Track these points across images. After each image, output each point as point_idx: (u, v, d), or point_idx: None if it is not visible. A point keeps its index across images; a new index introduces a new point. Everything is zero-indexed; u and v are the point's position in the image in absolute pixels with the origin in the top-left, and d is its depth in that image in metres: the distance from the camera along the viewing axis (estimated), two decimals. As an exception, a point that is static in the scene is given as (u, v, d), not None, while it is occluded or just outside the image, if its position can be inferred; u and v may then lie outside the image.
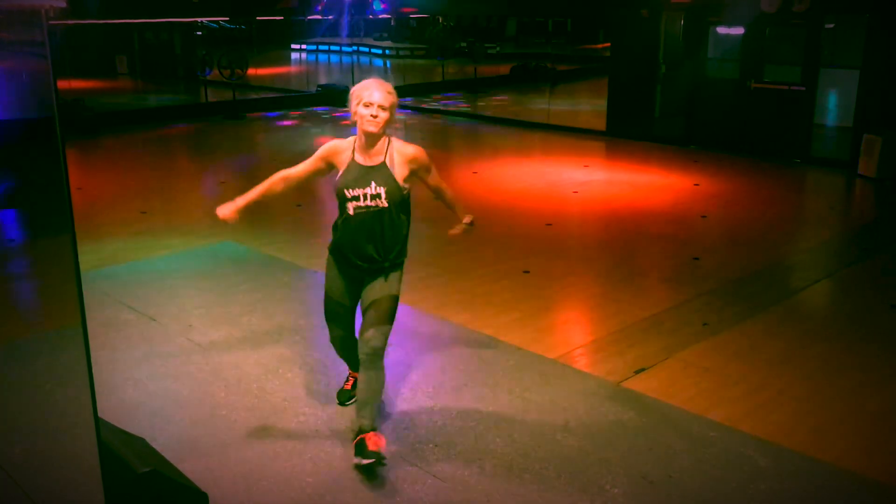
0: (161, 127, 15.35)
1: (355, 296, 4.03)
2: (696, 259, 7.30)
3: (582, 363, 5.17)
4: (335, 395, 4.56)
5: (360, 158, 3.83)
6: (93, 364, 2.87)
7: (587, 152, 12.93)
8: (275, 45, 26.45)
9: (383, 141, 3.82)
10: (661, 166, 11.67)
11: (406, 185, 3.85)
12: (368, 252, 3.86)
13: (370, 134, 3.76)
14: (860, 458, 4.07)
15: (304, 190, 10.37)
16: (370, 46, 28.07)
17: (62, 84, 15.93)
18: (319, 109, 17.94)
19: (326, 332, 5.50)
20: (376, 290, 3.90)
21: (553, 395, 4.61)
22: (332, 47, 28.02)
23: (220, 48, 19.70)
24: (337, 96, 18.80)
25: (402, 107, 18.32)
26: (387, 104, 3.72)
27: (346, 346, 4.24)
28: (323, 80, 21.86)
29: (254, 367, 4.92)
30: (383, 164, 3.80)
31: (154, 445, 3.86)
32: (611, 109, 14.21)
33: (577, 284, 6.74)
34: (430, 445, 4.07)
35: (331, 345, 4.30)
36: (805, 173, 11.48)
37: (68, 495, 3.61)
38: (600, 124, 14.32)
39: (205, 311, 5.83)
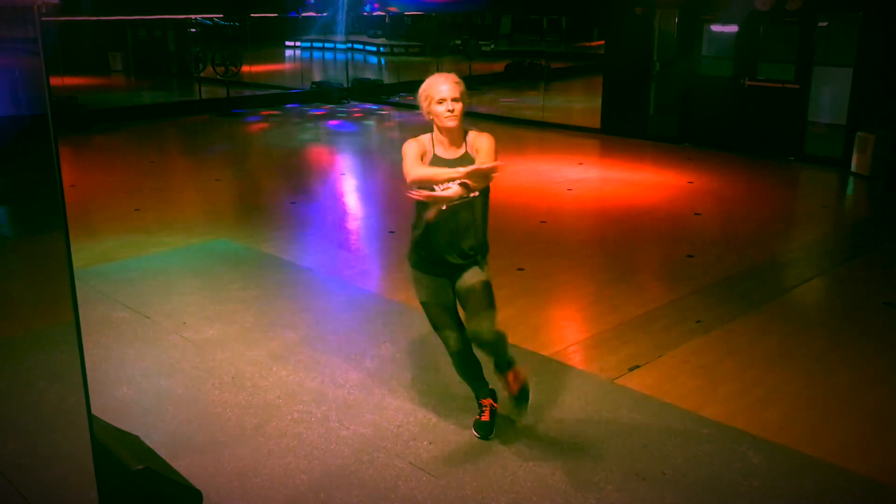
0: (155, 124, 15.32)
1: (451, 295, 3.95)
2: (690, 256, 7.32)
3: (576, 360, 5.18)
4: (330, 392, 4.56)
5: (441, 152, 3.80)
6: (86, 361, 2.86)
7: (581, 150, 12.95)
8: (269, 42, 26.37)
9: (460, 132, 3.81)
10: (656, 164, 11.70)
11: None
12: (464, 246, 3.82)
13: (450, 129, 3.75)
14: (854, 455, 4.08)
15: (296, 187, 10.39)
16: (364, 44, 28.03)
17: (55, 81, 15.86)
18: (316, 111, 17.91)
19: (321, 329, 5.53)
20: (469, 280, 3.85)
21: (547, 392, 4.62)
22: (327, 44, 27.96)
23: (214, 45, 19.65)
24: (331, 93, 18.80)
25: (400, 105, 18.31)
26: (458, 94, 3.72)
27: (466, 358, 4.05)
28: (317, 78, 21.82)
29: (248, 365, 4.92)
30: (466, 154, 3.79)
31: (148, 443, 3.85)
32: (605, 107, 14.23)
33: (571, 282, 6.75)
34: (425, 443, 4.07)
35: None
36: (798, 171, 11.51)
37: (62, 493, 3.61)
38: (595, 122, 14.33)
39: (198, 309, 5.82)
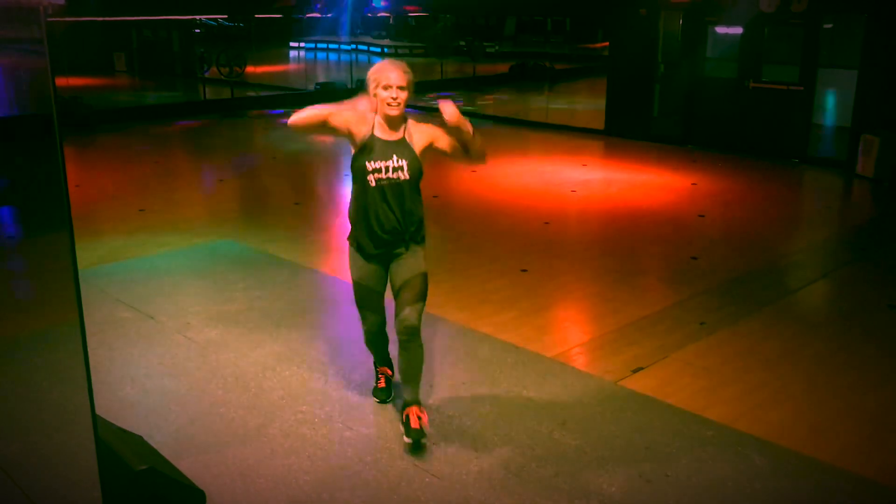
0: (159, 124, 15.35)
1: (383, 280, 4.12)
2: (694, 258, 7.31)
3: (580, 362, 5.17)
4: (333, 392, 4.56)
5: (380, 134, 3.91)
6: (90, 361, 2.87)
7: (585, 151, 12.94)
8: (273, 43, 26.41)
9: (400, 120, 3.93)
10: (659, 165, 11.68)
11: (422, 161, 3.96)
12: (391, 223, 3.94)
13: (391, 116, 3.86)
14: (857, 457, 4.07)
15: (301, 189, 10.40)
16: (369, 45, 28.05)
17: (60, 81, 15.90)
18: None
19: (325, 330, 5.54)
20: (405, 270, 4.00)
21: (551, 393, 4.62)
22: (331, 45, 27.99)
23: (218, 46, 19.68)
24: (335, 94, 18.81)
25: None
26: (405, 83, 3.83)
27: (378, 337, 4.32)
28: (321, 79, 21.84)
29: (251, 365, 4.92)
30: (403, 139, 3.92)
31: (151, 443, 3.86)
32: (609, 109, 14.22)
33: (574, 283, 6.74)
34: (428, 444, 4.07)
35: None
36: (803, 173, 11.49)
37: (65, 493, 3.61)
38: (599, 123, 14.32)
39: (202, 309, 5.83)
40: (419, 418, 3.99)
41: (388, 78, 3.80)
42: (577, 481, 3.77)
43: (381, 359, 4.53)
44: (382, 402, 4.47)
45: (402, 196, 3.92)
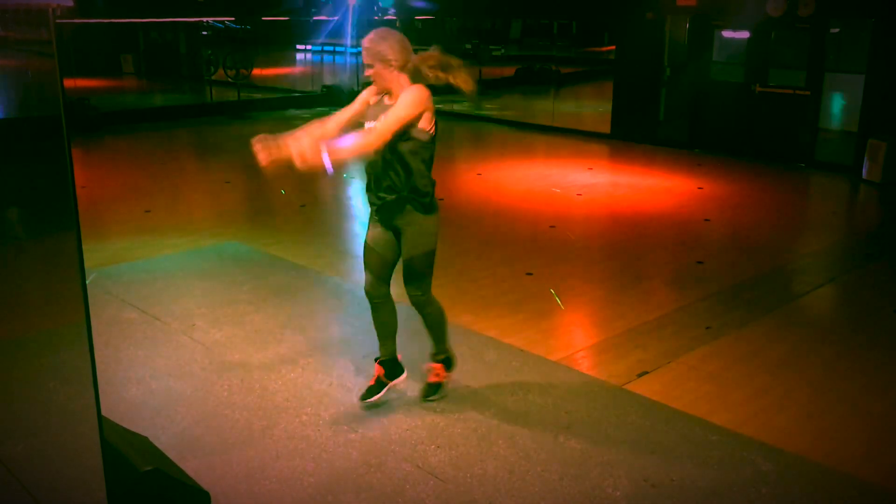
0: (166, 126, 15.39)
1: (389, 247, 4.22)
2: (700, 263, 7.30)
3: (585, 366, 5.17)
4: (338, 395, 4.56)
5: (375, 100, 4.12)
6: (96, 362, 2.88)
7: (591, 155, 12.94)
8: (280, 45, 26.46)
9: (396, 84, 4.01)
10: (665, 169, 11.67)
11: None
12: (386, 182, 4.02)
13: (375, 85, 4.08)
14: (863, 463, 4.06)
15: (307, 191, 10.41)
16: (375, 48, 28.03)
17: (67, 83, 15.96)
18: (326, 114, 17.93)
19: (330, 332, 5.54)
20: (409, 245, 4.13)
21: (555, 397, 4.61)
22: (338, 48, 28.03)
23: (225, 48, 19.73)
24: (341, 96, 18.82)
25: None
26: (370, 60, 3.98)
27: (374, 307, 4.33)
28: (328, 81, 21.87)
29: (257, 367, 4.93)
30: (381, 100, 4.07)
31: (156, 444, 3.87)
32: (615, 112, 14.22)
33: (580, 287, 6.74)
34: (433, 447, 4.07)
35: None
36: (809, 178, 11.46)
37: (70, 493, 3.62)
38: (605, 127, 14.32)
39: (208, 311, 5.84)
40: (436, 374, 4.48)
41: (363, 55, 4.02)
42: (582, 485, 3.76)
43: (382, 347, 4.43)
44: (362, 399, 4.41)
45: (385, 155, 3.98)
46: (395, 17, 22.66)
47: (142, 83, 23.09)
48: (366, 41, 3.98)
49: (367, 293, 4.33)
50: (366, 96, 4.15)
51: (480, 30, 26.57)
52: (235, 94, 16.98)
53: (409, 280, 4.22)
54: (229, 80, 17.65)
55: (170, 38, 23.96)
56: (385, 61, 3.96)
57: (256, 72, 19.05)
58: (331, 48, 28.63)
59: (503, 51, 27.48)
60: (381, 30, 4.04)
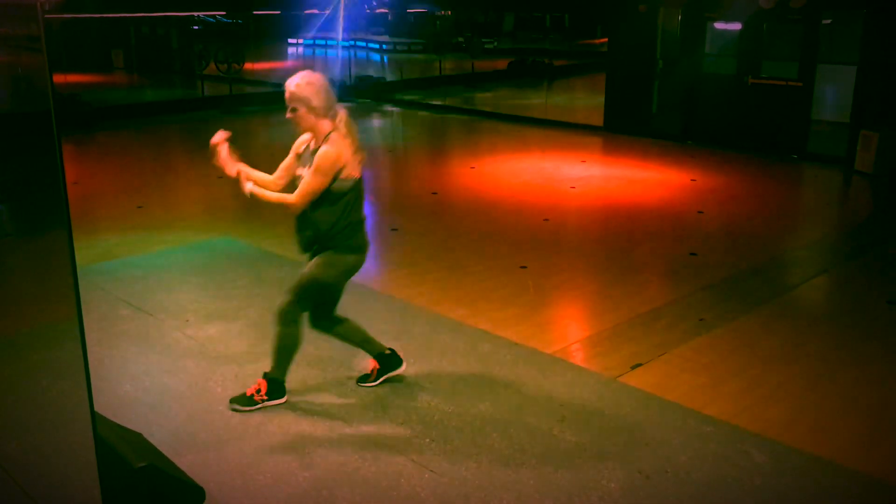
0: (157, 121, 15.32)
1: None
2: (693, 255, 7.31)
3: (579, 358, 5.18)
4: (332, 389, 4.56)
5: (303, 145, 4.22)
6: (89, 359, 2.86)
7: (584, 148, 12.93)
8: (271, 39, 26.37)
9: (318, 130, 4.06)
10: (659, 162, 11.68)
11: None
12: (307, 232, 4.18)
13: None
14: (857, 454, 4.08)
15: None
16: (367, 41, 28.01)
17: (58, 78, 15.87)
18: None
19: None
20: (312, 264, 4.21)
21: (550, 390, 4.62)
22: (330, 42, 27.95)
23: (216, 43, 19.65)
24: (333, 89, 18.76)
25: (403, 102, 18.27)
26: (294, 104, 4.02)
27: (333, 336, 4.51)
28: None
29: (251, 362, 4.91)
30: (314, 151, 4.08)
31: (151, 440, 3.86)
32: (608, 105, 14.21)
33: (574, 280, 6.74)
34: (427, 440, 4.07)
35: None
36: (802, 169, 11.49)
37: (64, 490, 3.61)
38: (598, 120, 14.31)
39: (201, 307, 5.82)
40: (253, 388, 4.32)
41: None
42: (577, 477, 3.77)
43: (366, 351, 4.60)
44: (358, 383, 4.61)
45: (305, 211, 4.10)
46: (386, 11, 22.59)
47: (133, 78, 22.99)
48: (291, 85, 4.00)
49: (314, 329, 4.44)
50: (296, 146, 4.24)
51: (473, 23, 26.54)
52: (227, 89, 16.91)
53: (290, 292, 4.23)
54: (221, 74, 17.57)
55: (161, 32, 23.84)
56: (310, 107, 4.00)
57: (248, 66, 18.97)
58: (323, 42, 28.57)
59: (496, 44, 27.46)
60: (307, 73, 4.07)
